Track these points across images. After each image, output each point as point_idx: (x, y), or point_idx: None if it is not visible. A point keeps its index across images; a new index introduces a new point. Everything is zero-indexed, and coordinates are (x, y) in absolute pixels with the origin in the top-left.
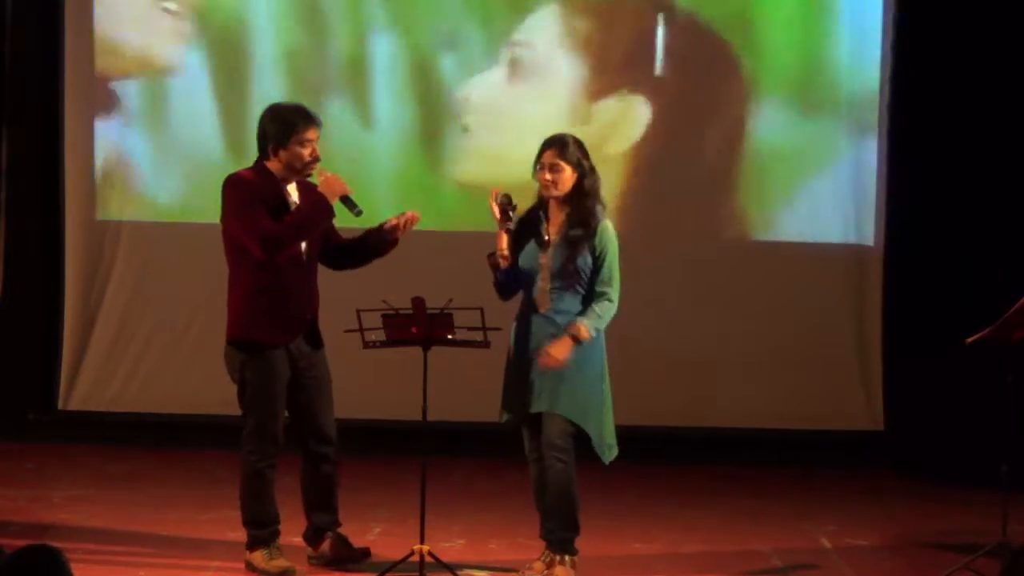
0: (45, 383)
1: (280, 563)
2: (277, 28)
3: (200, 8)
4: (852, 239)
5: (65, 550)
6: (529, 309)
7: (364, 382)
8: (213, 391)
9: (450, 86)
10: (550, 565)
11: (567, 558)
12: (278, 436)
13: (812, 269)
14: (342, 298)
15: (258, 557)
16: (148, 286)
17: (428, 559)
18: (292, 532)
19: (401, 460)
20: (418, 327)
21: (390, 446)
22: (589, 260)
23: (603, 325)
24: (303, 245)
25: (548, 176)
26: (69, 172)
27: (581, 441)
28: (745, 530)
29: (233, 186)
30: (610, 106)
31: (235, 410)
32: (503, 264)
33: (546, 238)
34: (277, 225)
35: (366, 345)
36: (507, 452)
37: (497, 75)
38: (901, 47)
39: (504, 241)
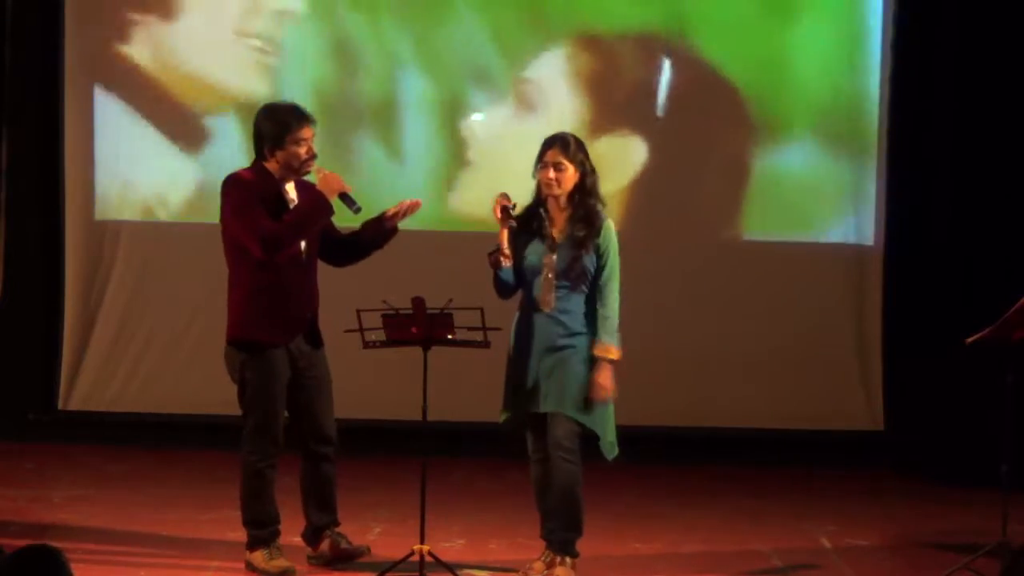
0: (45, 383)
1: (280, 563)
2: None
3: None
4: (852, 239)
5: (65, 550)
6: (531, 308)
7: (364, 382)
8: (213, 391)
9: (472, 121)
10: (550, 565)
11: (567, 559)
12: (278, 436)
13: (812, 269)
14: (342, 298)
15: (258, 557)
16: (148, 286)
17: (428, 559)
18: (292, 532)
19: (401, 460)
20: (418, 327)
21: (390, 446)
22: (594, 259)
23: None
24: (302, 244)
25: (551, 174)
26: (69, 172)
27: (582, 441)
28: (745, 530)
29: (232, 186)
30: (610, 143)
31: (235, 410)
32: (505, 263)
33: (550, 237)
34: (276, 224)
35: (366, 345)
36: (507, 452)
37: (504, 110)
38: (901, 47)
39: (505, 240)
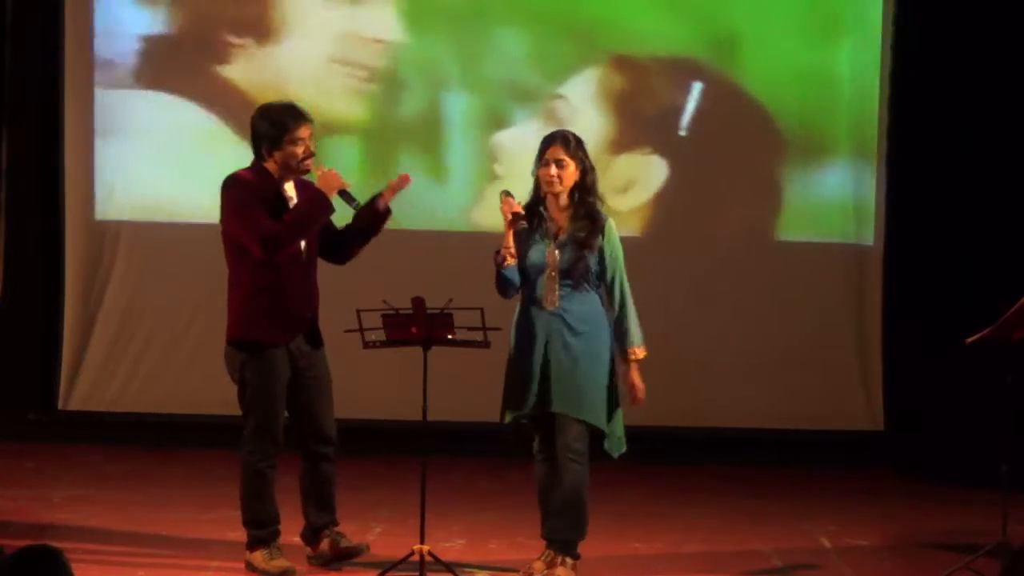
0: (45, 383)
1: (280, 563)
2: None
3: None
4: (852, 239)
5: (65, 550)
6: (534, 307)
7: (364, 382)
8: (213, 391)
9: (504, 135)
10: (551, 565)
11: (568, 560)
12: (278, 436)
13: (812, 269)
14: (342, 298)
15: (258, 557)
16: (148, 286)
17: (428, 559)
18: (292, 532)
19: (401, 460)
20: (418, 327)
21: (390, 446)
22: (596, 258)
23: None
24: (302, 244)
25: (553, 172)
26: (69, 172)
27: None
28: (745, 530)
29: (232, 186)
30: (632, 159)
31: (235, 410)
32: (510, 261)
33: (552, 236)
34: (277, 224)
35: (366, 345)
36: (507, 452)
37: (536, 125)
38: (901, 46)
39: (511, 239)
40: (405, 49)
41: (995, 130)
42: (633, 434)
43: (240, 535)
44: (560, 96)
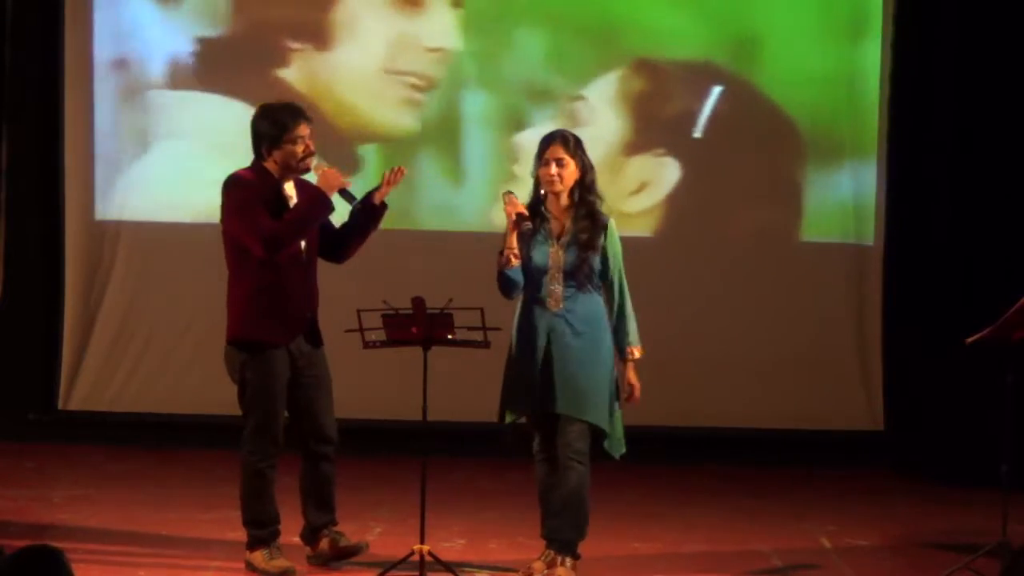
0: (45, 383)
1: (280, 563)
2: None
3: None
4: (852, 239)
5: (65, 550)
6: (537, 307)
7: (364, 382)
8: (213, 391)
9: (521, 137)
10: (551, 565)
11: (568, 560)
12: (278, 436)
13: (812, 269)
14: (342, 298)
15: (258, 557)
16: (148, 286)
17: (428, 559)
18: (292, 532)
19: (401, 460)
20: (418, 327)
21: (390, 446)
22: (599, 258)
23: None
24: (302, 243)
25: (553, 171)
26: (69, 172)
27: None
28: (745, 530)
29: (233, 186)
30: (646, 161)
31: (235, 410)
32: (514, 263)
33: (554, 236)
34: (278, 223)
35: (366, 345)
36: (507, 452)
37: (552, 126)
38: (900, 46)
39: (514, 239)
40: (457, 55)
41: (995, 130)
42: (633, 434)
43: (240, 535)
44: (580, 97)
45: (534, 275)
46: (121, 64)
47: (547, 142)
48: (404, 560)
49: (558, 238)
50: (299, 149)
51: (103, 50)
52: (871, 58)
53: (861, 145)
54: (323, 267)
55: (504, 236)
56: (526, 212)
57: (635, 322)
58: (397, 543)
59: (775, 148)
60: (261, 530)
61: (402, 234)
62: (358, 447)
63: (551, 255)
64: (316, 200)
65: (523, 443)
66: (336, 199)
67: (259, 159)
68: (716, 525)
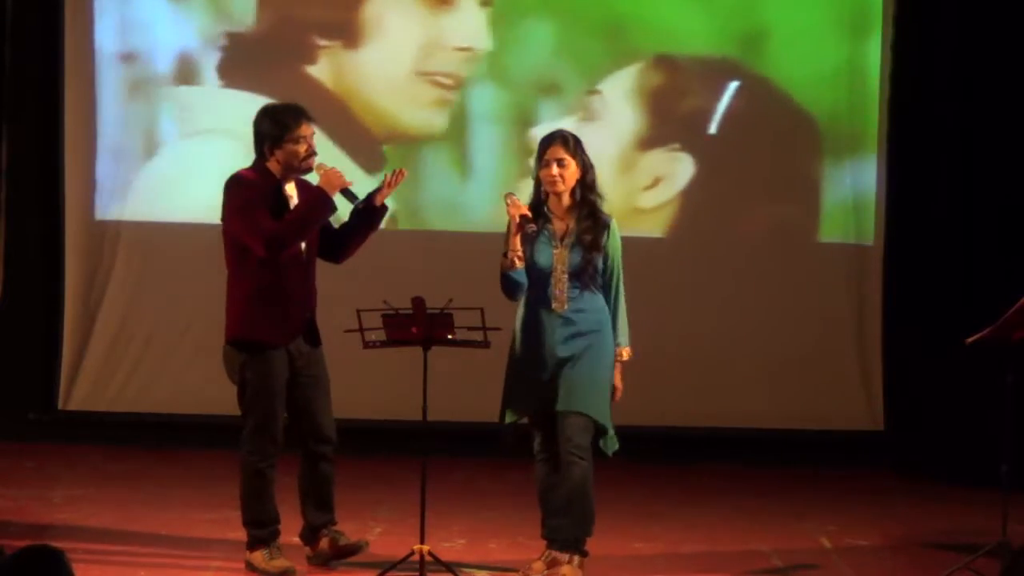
0: (45, 383)
1: (280, 563)
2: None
3: None
4: (852, 239)
5: (65, 550)
6: (540, 308)
7: (364, 382)
8: (213, 391)
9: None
10: (551, 564)
11: (575, 558)
12: (278, 436)
13: (812, 269)
14: (342, 298)
15: (258, 557)
16: (148, 286)
17: (428, 559)
18: (292, 532)
19: (401, 460)
20: (418, 327)
21: (390, 446)
22: (602, 258)
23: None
24: (303, 243)
25: (555, 171)
26: (69, 172)
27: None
28: (745, 530)
29: (235, 185)
30: (660, 156)
31: (235, 410)
32: (518, 264)
33: (558, 237)
34: (280, 223)
35: (366, 345)
36: (507, 452)
37: (569, 122)
38: (900, 47)
39: (518, 241)
40: (480, 54)
41: (995, 130)
42: (634, 434)
43: (240, 535)
44: (596, 92)
45: (538, 276)
46: (122, 64)
47: (547, 143)
48: (404, 560)
49: (561, 239)
50: (301, 149)
51: (106, 48)
52: (872, 57)
53: (861, 144)
54: (323, 267)
55: (506, 238)
56: (529, 213)
57: (626, 326)
58: (397, 543)
59: (791, 145)
60: (261, 530)
61: (403, 234)
62: (358, 447)
63: (555, 256)
64: (318, 200)
65: (523, 443)
66: (338, 199)
67: (261, 159)
68: (716, 525)
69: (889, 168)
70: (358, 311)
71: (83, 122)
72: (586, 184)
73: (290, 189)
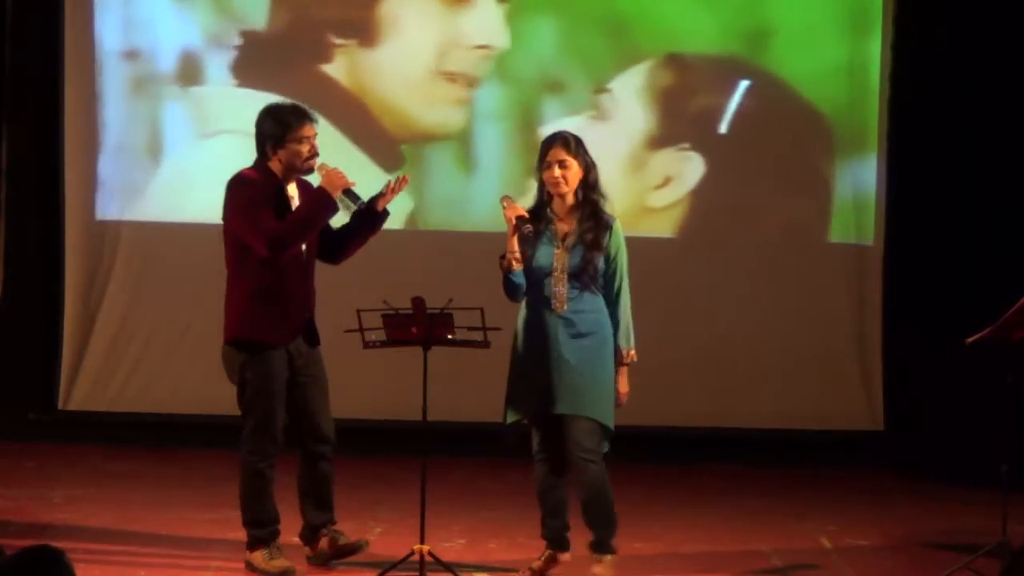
0: (45, 383)
1: (280, 563)
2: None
3: None
4: (852, 239)
5: (65, 550)
6: (542, 309)
7: (364, 382)
8: (213, 391)
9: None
10: (549, 564)
11: (607, 558)
12: (278, 436)
13: (812, 269)
14: (342, 298)
15: (258, 557)
16: (148, 286)
17: (428, 559)
18: (292, 532)
19: (401, 460)
20: (418, 327)
21: (390, 446)
22: (604, 259)
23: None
24: (303, 244)
25: (557, 173)
26: (69, 172)
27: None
28: (746, 530)
29: (238, 185)
30: (667, 157)
31: (235, 410)
32: (516, 266)
33: (559, 238)
34: (282, 223)
35: (366, 345)
36: (507, 452)
37: (578, 121)
38: (900, 47)
39: (516, 243)
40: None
41: (995, 130)
42: (634, 434)
43: (240, 535)
44: (606, 90)
45: (538, 277)
46: (124, 62)
47: (548, 145)
48: (404, 560)
49: (563, 239)
50: (304, 149)
51: (108, 46)
52: (872, 56)
53: (861, 144)
54: (323, 267)
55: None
56: (526, 215)
57: (630, 328)
58: (397, 543)
59: (801, 144)
60: (261, 530)
61: (403, 234)
62: (358, 447)
63: (555, 256)
64: (320, 201)
65: (523, 443)
66: (339, 200)
67: (263, 159)
68: (716, 525)
69: (889, 168)
70: (358, 311)
71: (83, 122)
72: (588, 184)
73: (291, 190)
